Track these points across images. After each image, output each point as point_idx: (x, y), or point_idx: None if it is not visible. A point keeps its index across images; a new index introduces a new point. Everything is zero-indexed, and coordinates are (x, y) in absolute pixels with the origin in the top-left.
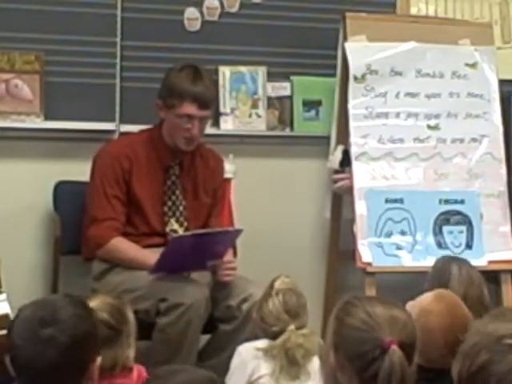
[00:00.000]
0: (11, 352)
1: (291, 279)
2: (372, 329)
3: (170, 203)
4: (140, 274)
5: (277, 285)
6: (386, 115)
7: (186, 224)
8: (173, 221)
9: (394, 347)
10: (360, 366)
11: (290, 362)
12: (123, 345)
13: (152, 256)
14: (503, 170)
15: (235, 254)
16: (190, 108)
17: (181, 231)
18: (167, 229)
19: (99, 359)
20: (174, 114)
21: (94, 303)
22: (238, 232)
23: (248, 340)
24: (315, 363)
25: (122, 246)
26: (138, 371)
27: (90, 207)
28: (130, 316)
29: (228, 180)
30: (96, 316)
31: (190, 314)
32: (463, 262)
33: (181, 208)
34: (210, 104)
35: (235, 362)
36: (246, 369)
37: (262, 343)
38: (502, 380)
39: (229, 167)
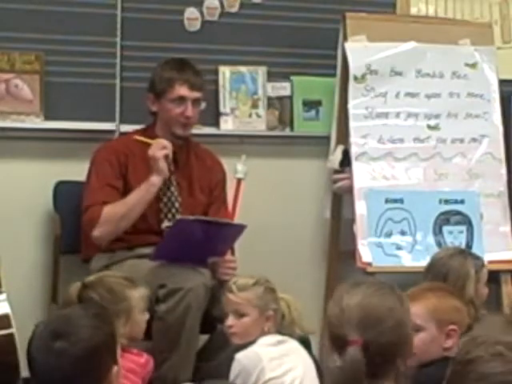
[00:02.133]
0: (30, 364)
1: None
2: (341, 325)
3: (165, 199)
4: (138, 267)
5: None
6: (386, 115)
7: None
8: (169, 216)
9: (353, 347)
10: (337, 353)
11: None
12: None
13: (141, 188)
14: (503, 170)
15: (233, 253)
16: (181, 89)
17: None
18: (163, 226)
19: (116, 368)
20: (167, 100)
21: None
22: (242, 228)
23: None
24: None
25: (114, 209)
26: (147, 359)
27: (84, 199)
28: (124, 296)
29: (239, 181)
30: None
31: (189, 299)
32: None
33: (176, 204)
34: (200, 86)
35: (235, 370)
36: (251, 376)
37: (266, 340)
38: (479, 380)
39: (241, 168)
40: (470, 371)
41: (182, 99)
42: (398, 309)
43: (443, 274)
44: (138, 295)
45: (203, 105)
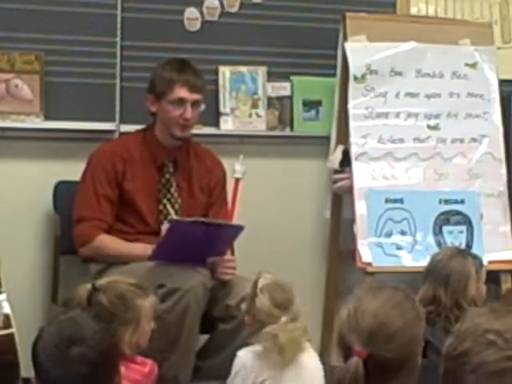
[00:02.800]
0: (38, 371)
1: (273, 275)
2: (350, 330)
3: (165, 201)
4: (138, 268)
5: (260, 283)
6: (386, 115)
7: None
8: (169, 218)
9: (356, 358)
10: (343, 355)
11: (280, 353)
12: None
13: (138, 246)
14: (503, 170)
15: (232, 253)
16: (180, 91)
17: None
18: (163, 227)
19: (122, 368)
20: (166, 102)
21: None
22: (240, 228)
23: (247, 339)
24: (305, 358)
25: (107, 242)
26: (151, 367)
27: (78, 206)
28: (134, 305)
29: (237, 180)
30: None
31: (188, 299)
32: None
33: (176, 206)
34: (200, 88)
35: (236, 366)
36: (250, 374)
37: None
38: (475, 370)
39: (239, 167)
40: (465, 363)
41: (181, 101)
42: (415, 323)
43: (444, 276)
44: (148, 304)
45: (203, 106)
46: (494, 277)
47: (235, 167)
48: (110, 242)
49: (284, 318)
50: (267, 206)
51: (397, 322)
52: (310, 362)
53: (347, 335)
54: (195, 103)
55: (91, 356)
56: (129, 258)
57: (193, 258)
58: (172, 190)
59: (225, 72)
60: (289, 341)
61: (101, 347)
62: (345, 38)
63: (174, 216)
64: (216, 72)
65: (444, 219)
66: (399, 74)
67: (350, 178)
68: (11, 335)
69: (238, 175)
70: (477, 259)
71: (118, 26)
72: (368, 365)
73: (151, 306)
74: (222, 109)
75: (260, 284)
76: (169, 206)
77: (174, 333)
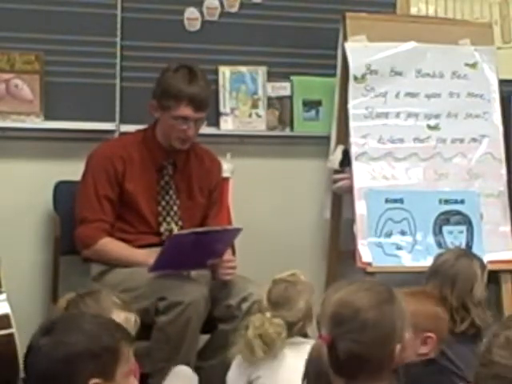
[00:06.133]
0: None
1: (303, 274)
2: (319, 319)
3: (163, 203)
4: (139, 274)
5: (279, 276)
6: (386, 115)
7: (180, 224)
8: (168, 220)
9: (318, 342)
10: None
11: (247, 347)
12: None
13: (140, 253)
14: (503, 170)
15: (233, 253)
16: (185, 110)
17: (176, 231)
18: (162, 228)
19: (94, 380)
20: (170, 116)
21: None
22: (238, 231)
23: None
24: (281, 356)
25: (110, 246)
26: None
27: (80, 207)
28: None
29: (226, 179)
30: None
31: (189, 313)
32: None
33: (175, 208)
34: (205, 106)
35: (237, 361)
36: (246, 368)
37: None
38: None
39: (226, 166)
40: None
41: (185, 119)
42: (387, 306)
43: (452, 275)
44: (122, 317)
45: (205, 123)
46: (493, 277)
47: (223, 166)
48: (112, 246)
49: (268, 314)
50: (267, 206)
51: (363, 300)
52: (292, 362)
53: (318, 326)
54: (198, 119)
55: (52, 352)
56: (130, 263)
57: (192, 263)
58: (171, 192)
59: (225, 72)
60: (256, 337)
61: (68, 349)
62: (345, 38)
63: (175, 230)
64: (216, 72)
65: (444, 219)
66: (399, 74)
67: (350, 178)
68: (11, 335)
69: (226, 174)
70: (480, 260)
71: (118, 26)
72: (333, 353)
73: (126, 320)
74: (222, 109)
75: (277, 276)
76: (168, 220)
77: (175, 344)
